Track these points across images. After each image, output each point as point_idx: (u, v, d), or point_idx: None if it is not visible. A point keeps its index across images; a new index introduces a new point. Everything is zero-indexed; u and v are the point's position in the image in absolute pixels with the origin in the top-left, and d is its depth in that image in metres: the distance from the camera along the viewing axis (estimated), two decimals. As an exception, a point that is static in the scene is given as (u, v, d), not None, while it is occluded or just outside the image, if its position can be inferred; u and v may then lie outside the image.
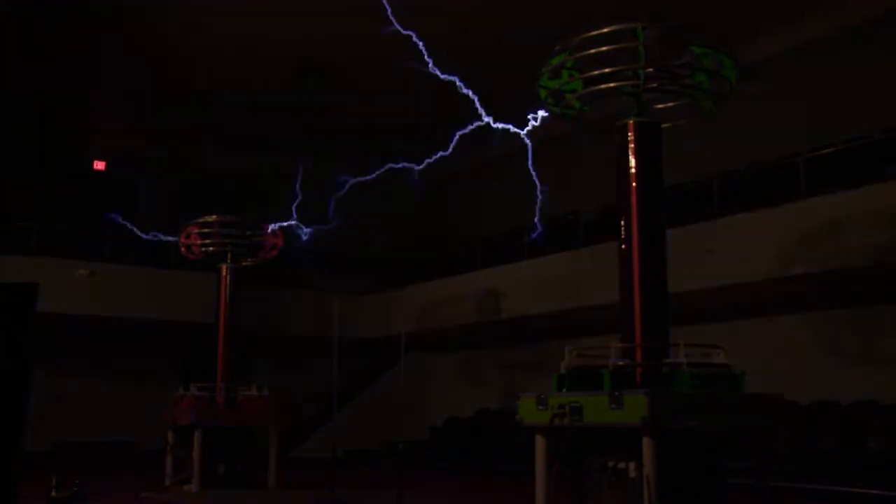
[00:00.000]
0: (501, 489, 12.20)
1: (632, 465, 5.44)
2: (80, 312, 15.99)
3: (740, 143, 13.85)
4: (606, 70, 6.08)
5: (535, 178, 7.35)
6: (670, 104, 6.59)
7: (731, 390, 5.78)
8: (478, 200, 19.93)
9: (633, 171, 6.12)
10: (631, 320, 5.98)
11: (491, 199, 19.05)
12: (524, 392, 5.97)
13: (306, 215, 12.64)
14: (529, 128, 6.79)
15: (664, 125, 6.36)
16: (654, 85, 6.22)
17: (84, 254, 16.43)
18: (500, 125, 7.38)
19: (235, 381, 12.21)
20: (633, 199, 6.09)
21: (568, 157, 17.17)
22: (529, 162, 7.21)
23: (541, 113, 6.64)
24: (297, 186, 12.56)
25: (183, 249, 12.62)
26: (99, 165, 19.57)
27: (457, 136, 8.05)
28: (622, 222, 6.11)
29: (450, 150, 8.64)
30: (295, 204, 12.54)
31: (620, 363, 5.72)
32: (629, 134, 6.15)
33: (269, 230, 12.50)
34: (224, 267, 12.46)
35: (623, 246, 6.09)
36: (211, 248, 12.43)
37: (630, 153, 6.14)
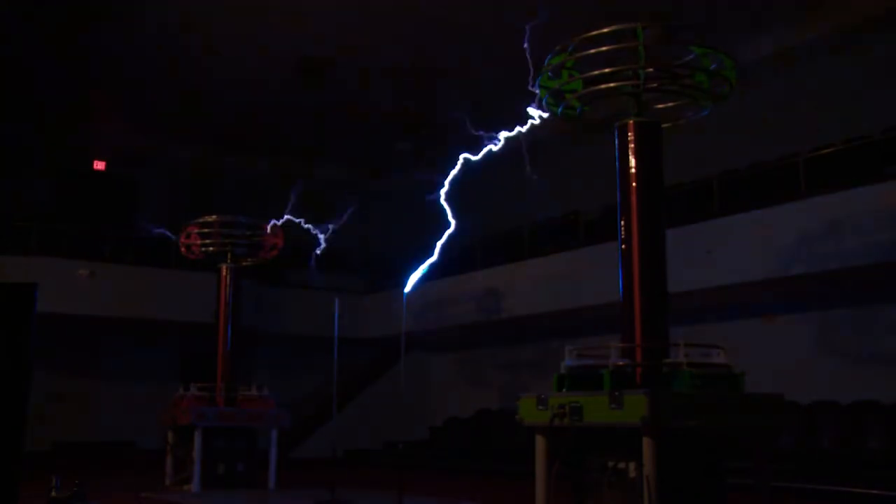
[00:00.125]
0: (501, 489, 12.20)
1: (632, 465, 5.44)
2: (80, 312, 16.00)
3: (740, 143, 13.86)
4: (606, 70, 6.08)
5: (534, 178, 7.35)
6: (670, 104, 6.59)
7: (731, 390, 5.78)
8: (478, 200, 19.92)
9: (633, 171, 6.12)
10: (631, 320, 5.98)
11: (491, 199, 19.04)
12: (524, 392, 5.97)
13: (306, 215, 12.64)
14: (528, 128, 6.79)
15: (664, 125, 6.35)
16: (654, 85, 6.22)
17: (84, 254, 16.43)
18: (500, 125, 7.38)
19: (235, 381, 12.22)
20: (633, 199, 6.09)
21: (568, 157, 17.18)
22: (527, 163, 7.20)
23: (541, 113, 6.64)
24: (298, 186, 12.57)
25: (183, 249, 12.63)
26: (99, 165, 19.57)
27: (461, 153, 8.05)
28: (622, 222, 6.11)
29: (449, 149, 8.62)
30: (295, 204, 12.54)
31: (620, 363, 5.72)
32: (629, 134, 6.15)
33: (269, 230, 12.50)
34: (224, 267, 12.46)
35: (623, 246, 6.09)
36: (211, 248, 12.43)
37: (630, 153, 6.14)
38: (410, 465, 13.56)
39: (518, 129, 7.00)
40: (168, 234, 13.35)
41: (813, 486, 10.03)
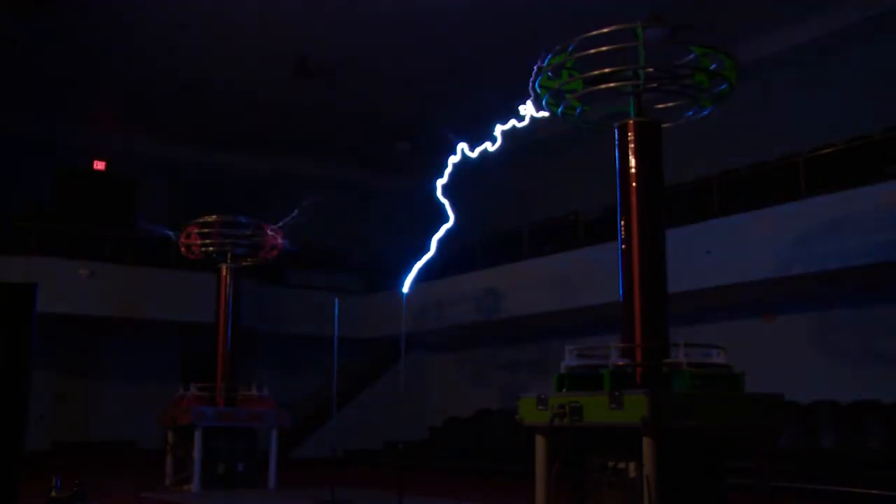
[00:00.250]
0: (501, 489, 12.20)
1: (632, 465, 5.44)
2: (80, 312, 16.00)
3: (740, 143, 13.86)
4: (606, 70, 6.08)
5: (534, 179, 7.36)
6: (670, 104, 6.59)
7: (731, 390, 5.78)
8: (478, 200, 19.94)
9: (633, 171, 6.12)
10: (631, 320, 5.98)
11: (491, 198, 19.04)
12: (524, 392, 5.97)
13: (306, 215, 12.64)
14: (528, 128, 6.80)
15: (664, 125, 6.36)
16: (654, 85, 6.22)
17: (84, 254, 16.43)
18: (498, 126, 7.39)
19: (235, 381, 12.22)
20: (633, 199, 6.09)
21: (568, 158, 17.19)
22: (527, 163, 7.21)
23: (541, 113, 6.64)
24: (298, 186, 12.57)
25: (183, 249, 12.63)
26: (99, 165, 19.56)
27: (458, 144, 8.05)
28: (622, 222, 6.11)
29: (450, 148, 8.64)
30: (294, 204, 12.55)
31: (620, 363, 5.72)
32: (629, 134, 6.15)
33: (269, 230, 12.51)
34: (224, 267, 12.46)
35: (623, 246, 6.09)
36: (211, 248, 12.43)
37: (630, 153, 6.14)
38: (410, 465, 13.57)
39: (513, 122, 7.00)
40: (169, 234, 13.33)
41: (813, 486, 10.03)
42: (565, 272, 14.51)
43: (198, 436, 11.32)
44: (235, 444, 11.78)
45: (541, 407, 5.73)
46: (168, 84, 16.87)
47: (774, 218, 11.74)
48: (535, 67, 6.23)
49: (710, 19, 12.65)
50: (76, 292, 15.74)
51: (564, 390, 5.83)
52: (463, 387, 19.12)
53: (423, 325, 16.88)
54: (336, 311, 9.95)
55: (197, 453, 11.29)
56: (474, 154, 7.68)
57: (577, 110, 6.57)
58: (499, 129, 7.32)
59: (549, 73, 6.24)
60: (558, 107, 6.51)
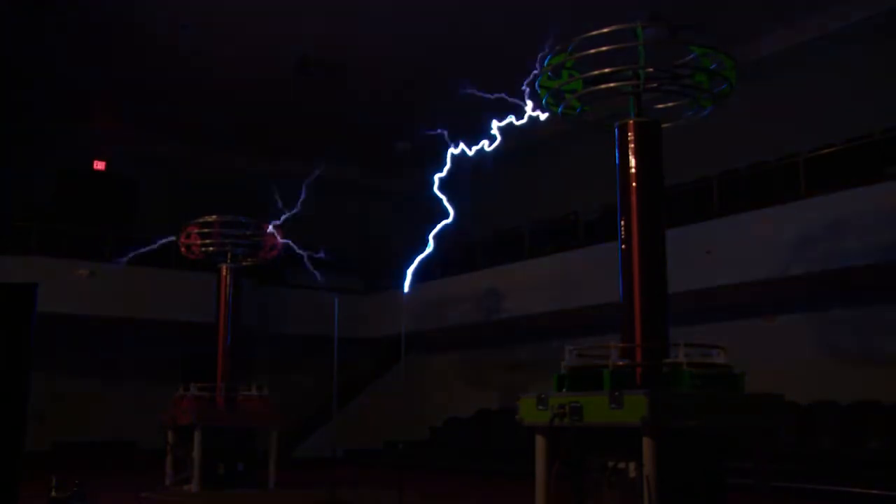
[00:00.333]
0: (501, 489, 12.20)
1: (632, 465, 5.44)
2: (80, 312, 15.99)
3: (740, 143, 13.85)
4: (606, 70, 6.08)
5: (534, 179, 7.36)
6: (670, 104, 6.59)
7: (731, 390, 5.78)
8: (478, 200, 19.95)
9: (633, 171, 6.12)
10: (631, 320, 5.99)
11: (491, 198, 19.04)
12: (524, 392, 5.97)
13: (307, 215, 12.64)
14: (528, 128, 6.80)
15: (664, 125, 6.36)
16: (655, 85, 6.22)
17: (84, 254, 16.42)
18: (499, 124, 7.38)
19: (235, 381, 12.22)
20: (633, 199, 6.10)
21: (568, 158, 17.19)
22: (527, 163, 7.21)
23: (540, 113, 6.64)
24: (298, 186, 12.57)
25: (183, 249, 12.63)
26: (99, 165, 19.56)
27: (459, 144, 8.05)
28: (622, 222, 6.12)
29: (450, 151, 8.63)
30: (294, 203, 12.54)
31: (620, 363, 5.72)
32: (629, 134, 6.15)
33: (269, 230, 12.51)
34: (224, 267, 12.47)
35: (623, 246, 6.10)
36: (211, 248, 12.44)
37: (630, 153, 6.14)
38: (410, 465, 13.57)
39: (511, 118, 6.99)
40: (170, 237, 13.32)
41: (813, 486, 10.04)
42: (565, 272, 14.50)
43: (198, 436, 11.32)
44: (235, 444, 11.79)
45: (541, 407, 5.73)
46: (168, 84, 16.86)
47: (774, 218, 11.74)
48: (534, 68, 6.24)
49: (710, 19, 12.66)
50: (76, 292, 15.73)
51: (564, 390, 5.84)
52: (463, 387, 19.12)
53: (423, 325, 16.87)
54: (336, 311, 9.95)
55: (197, 453, 11.29)
56: (472, 152, 7.68)
57: (577, 110, 6.57)
58: (495, 125, 7.32)
59: (550, 73, 6.24)
60: (558, 107, 6.52)
